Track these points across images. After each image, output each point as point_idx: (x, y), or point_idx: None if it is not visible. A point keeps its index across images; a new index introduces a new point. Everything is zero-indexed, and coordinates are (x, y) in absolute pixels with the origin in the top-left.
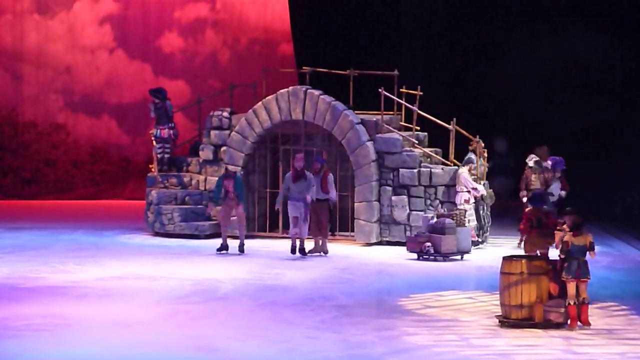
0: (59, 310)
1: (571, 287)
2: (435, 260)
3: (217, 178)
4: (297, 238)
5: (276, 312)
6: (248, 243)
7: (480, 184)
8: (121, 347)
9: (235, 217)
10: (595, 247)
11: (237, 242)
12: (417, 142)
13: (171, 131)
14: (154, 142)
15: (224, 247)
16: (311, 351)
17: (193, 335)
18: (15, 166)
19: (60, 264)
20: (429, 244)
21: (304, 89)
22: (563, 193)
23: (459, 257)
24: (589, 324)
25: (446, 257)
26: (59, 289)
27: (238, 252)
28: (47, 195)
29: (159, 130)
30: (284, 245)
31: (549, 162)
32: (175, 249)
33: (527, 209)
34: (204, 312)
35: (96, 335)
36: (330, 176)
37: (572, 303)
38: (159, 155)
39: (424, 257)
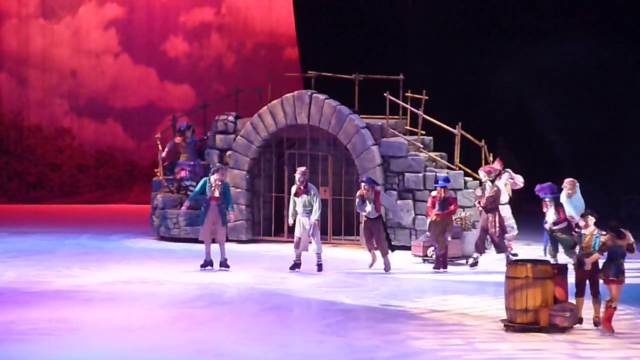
0: (64, 314)
1: (615, 289)
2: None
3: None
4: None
5: (281, 317)
6: (254, 247)
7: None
8: (126, 352)
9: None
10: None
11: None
12: (422, 146)
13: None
14: (160, 147)
15: (208, 263)
16: (316, 355)
17: (198, 340)
18: (21, 170)
19: (66, 268)
20: (432, 248)
21: (309, 93)
22: (550, 225)
23: (464, 261)
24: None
25: (451, 261)
26: (64, 293)
27: (221, 269)
28: (52, 200)
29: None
30: (290, 249)
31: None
32: (181, 253)
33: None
34: (208, 316)
35: (101, 339)
36: (382, 194)
37: (613, 306)
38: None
39: (429, 261)
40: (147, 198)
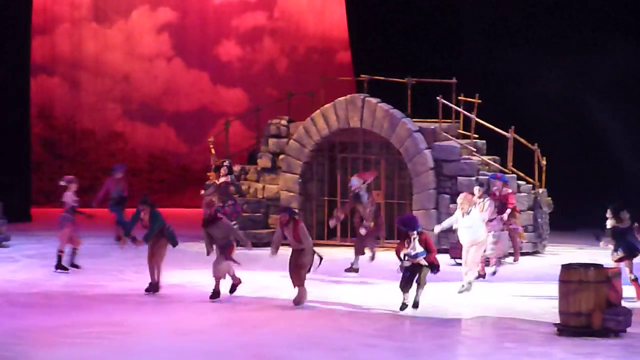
0: (118, 318)
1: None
2: (485, 264)
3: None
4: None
5: (333, 320)
6: None
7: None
8: (179, 356)
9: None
10: None
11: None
12: (475, 149)
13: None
14: (212, 151)
15: (152, 287)
16: (369, 359)
17: (252, 344)
18: (74, 174)
19: (119, 272)
20: None
21: (361, 96)
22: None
23: (510, 260)
24: None
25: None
26: (117, 296)
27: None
28: (106, 204)
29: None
30: (342, 253)
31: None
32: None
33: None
34: (261, 320)
35: (154, 343)
36: (301, 225)
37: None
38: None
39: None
40: (199, 202)
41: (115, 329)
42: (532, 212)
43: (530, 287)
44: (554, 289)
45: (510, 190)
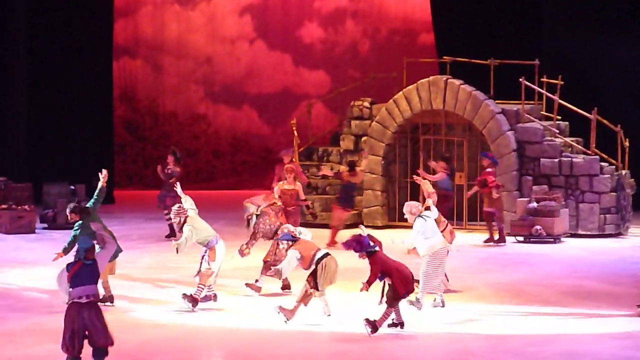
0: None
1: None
2: (546, 242)
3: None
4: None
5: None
6: (389, 233)
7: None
8: (263, 330)
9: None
10: None
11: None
12: (558, 131)
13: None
14: (295, 133)
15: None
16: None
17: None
18: (157, 156)
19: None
20: (539, 227)
21: (444, 78)
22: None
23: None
24: None
25: (557, 239)
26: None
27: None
28: (188, 185)
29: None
30: None
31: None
32: (315, 240)
33: None
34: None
35: (239, 322)
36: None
37: None
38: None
39: (532, 239)
40: None
41: (205, 309)
42: (615, 193)
43: (612, 268)
44: (636, 270)
45: (489, 170)
